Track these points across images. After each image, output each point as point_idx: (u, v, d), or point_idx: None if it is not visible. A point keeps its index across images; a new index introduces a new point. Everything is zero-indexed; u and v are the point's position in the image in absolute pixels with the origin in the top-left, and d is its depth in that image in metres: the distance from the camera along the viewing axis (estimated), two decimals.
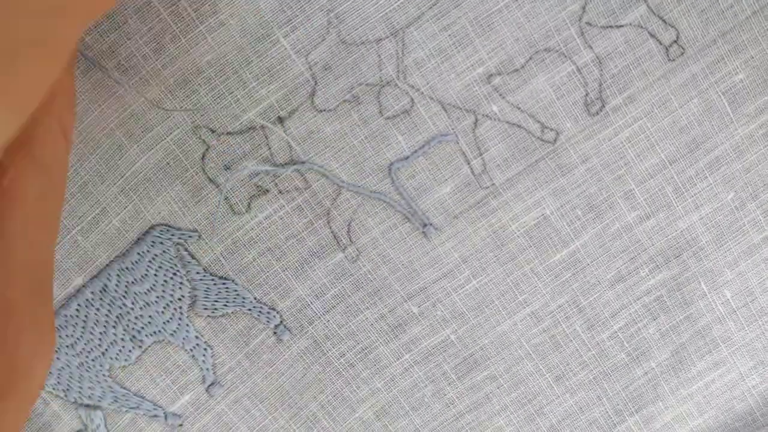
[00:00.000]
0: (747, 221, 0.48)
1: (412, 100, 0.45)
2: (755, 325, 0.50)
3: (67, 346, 0.47)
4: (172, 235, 0.46)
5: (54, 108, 0.32)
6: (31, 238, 0.30)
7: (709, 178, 0.47)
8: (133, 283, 0.46)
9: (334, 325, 0.49)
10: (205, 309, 0.47)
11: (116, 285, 0.46)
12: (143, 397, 0.48)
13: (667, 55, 0.45)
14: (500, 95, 0.45)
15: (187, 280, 0.47)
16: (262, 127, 0.45)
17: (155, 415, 0.49)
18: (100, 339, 0.47)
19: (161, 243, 0.46)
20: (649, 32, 0.44)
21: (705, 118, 0.46)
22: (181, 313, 0.47)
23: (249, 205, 0.46)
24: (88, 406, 0.48)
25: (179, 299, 0.47)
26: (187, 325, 0.47)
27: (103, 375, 0.48)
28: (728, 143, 0.47)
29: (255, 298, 0.48)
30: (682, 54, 0.45)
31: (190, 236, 0.46)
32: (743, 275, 0.49)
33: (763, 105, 0.46)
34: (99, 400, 0.48)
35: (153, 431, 0.49)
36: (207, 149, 0.45)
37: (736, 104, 0.46)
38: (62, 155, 0.33)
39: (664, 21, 0.44)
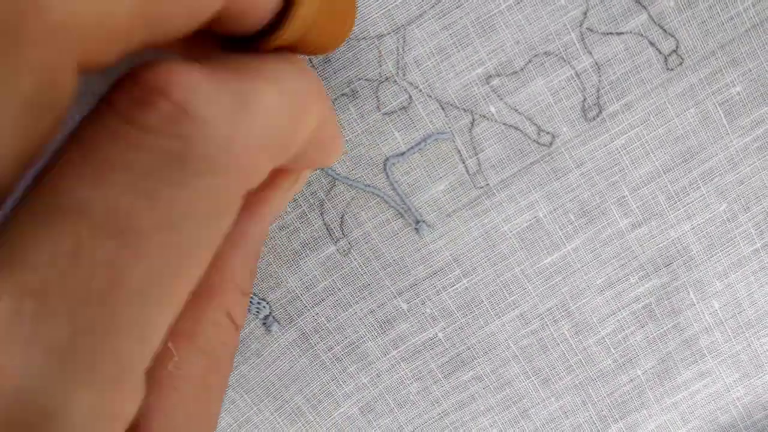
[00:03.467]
0: (738, 233, 0.49)
1: (411, 97, 0.45)
2: (742, 337, 0.50)
3: None
4: None
5: (223, 298, 0.33)
6: (194, 420, 0.30)
7: (702, 188, 0.48)
8: None
9: (323, 318, 0.49)
10: None
11: None
12: None
13: (666, 64, 0.45)
14: (498, 96, 0.45)
15: None
16: None
17: None
18: None
19: None
20: (649, 41, 0.45)
21: (701, 128, 0.46)
22: None
23: None
24: None
25: None
26: None
27: None
28: (722, 155, 0.47)
29: None
30: (681, 64, 0.45)
31: None
32: (732, 287, 0.50)
33: (758, 118, 0.47)
34: None
35: None
36: None
37: (732, 116, 0.46)
38: (231, 341, 0.33)
39: (664, 30, 0.44)
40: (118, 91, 0.24)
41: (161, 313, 0.24)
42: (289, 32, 0.29)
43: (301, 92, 0.29)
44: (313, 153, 0.33)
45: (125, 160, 0.22)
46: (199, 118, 0.23)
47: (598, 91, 0.45)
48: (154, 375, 0.28)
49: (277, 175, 0.36)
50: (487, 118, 0.45)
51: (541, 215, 0.47)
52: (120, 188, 0.22)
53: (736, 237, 0.49)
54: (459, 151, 0.46)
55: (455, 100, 0.45)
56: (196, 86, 0.24)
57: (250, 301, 0.48)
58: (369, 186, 0.46)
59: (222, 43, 0.30)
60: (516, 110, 0.45)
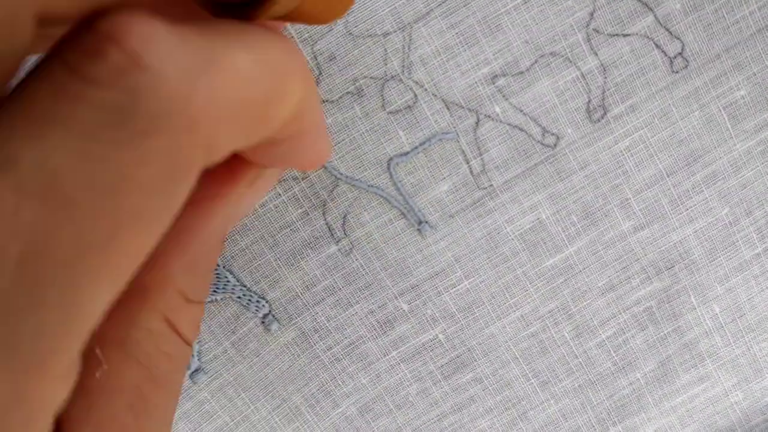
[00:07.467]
0: (740, 237, 0.49)
1: (416, 96, 0.44)
2: (742, 341, 0.50)
3: None
4: None
5: (157, 302, 0.29)
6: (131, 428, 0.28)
7: (705, 192, 0.47)
8: None
9: (323, 318, 0.48)
10: None
11: None
12: None
13: (671, 66, 0.45)
14: (503, 96, 0.45)
15: None
16: None
17: None
18: None
19: None
20: (654, 43, 0.44)
21: (705, 131, 0.46)
22: None
23: None
24: None
25: None
26: None
27: None
28: (726, 158, 0.47)
29: (245, 286, 0.47)
30: (686, 67, 0.45)
31: None
32: (733, 291, 0.49)
33: (762, 122, 0.47)
34: None
35: None
36: None
37: (736, 120, 0.46)
38: (177, 353, 0.30)
39: (670, 32, 0.44)
40: (69, 39, 0.21)
41: (93, 288, 0.21)
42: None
43: (280, 63, 0.25)
44: (292, 144, 0.29)
45: (64, 114, 0.20)
46: (152, 70, 0.20)
47: (603, 93, 0.45)
48: (83, 383, 0.25)
49: (239, 167, 0.33)
50: (492, 119, 0.45)
51: (544, 217, 0.47)
52: (53, 145, 0.20)
53: (737, 241, 0.49)
54: (463, 151, 0.46)
55: (460, 100, 0.45)
56: (155, 36, 0.21)
57: (249, 299, 0.47)
58: (372, 186, 0.46)
59: (213, 12, 0.27)
60: (521, 111, 0.45)
